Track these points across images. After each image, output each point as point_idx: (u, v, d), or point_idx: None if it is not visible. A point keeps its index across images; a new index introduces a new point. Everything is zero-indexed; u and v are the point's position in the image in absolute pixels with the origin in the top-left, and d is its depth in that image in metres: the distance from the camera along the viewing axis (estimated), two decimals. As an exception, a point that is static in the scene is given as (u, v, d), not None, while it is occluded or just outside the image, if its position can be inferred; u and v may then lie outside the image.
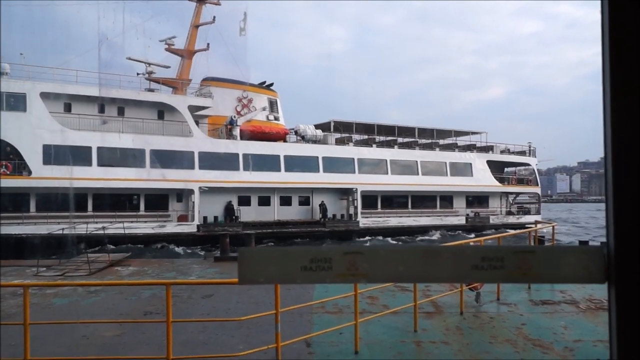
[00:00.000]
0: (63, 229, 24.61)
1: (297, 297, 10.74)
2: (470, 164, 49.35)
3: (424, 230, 43.96)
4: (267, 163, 39.22)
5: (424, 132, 51.43)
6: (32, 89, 32.64)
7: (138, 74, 40.57)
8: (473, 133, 54.93)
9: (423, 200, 47.14)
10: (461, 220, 47.04)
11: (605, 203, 1.50)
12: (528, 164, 55.59)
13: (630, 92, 1.42)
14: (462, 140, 54.90)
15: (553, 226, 16.91)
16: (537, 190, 55.64)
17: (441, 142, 53.01)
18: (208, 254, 27.97)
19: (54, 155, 32.06)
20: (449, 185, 47.25)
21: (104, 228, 25.18)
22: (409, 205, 46.45)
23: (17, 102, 32.09)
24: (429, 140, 51.94)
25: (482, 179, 49.31)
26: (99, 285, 9.41)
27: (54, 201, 31.90)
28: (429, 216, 45.92)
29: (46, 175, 31.22)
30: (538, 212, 52.89)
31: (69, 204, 32.74)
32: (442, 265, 1.57)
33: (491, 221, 47.75)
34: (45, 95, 33.07)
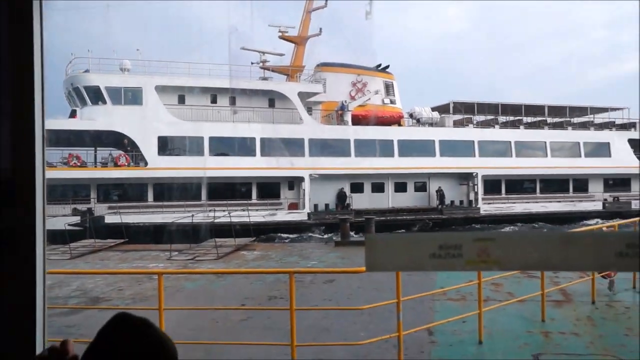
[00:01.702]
0: (192, 216, 25.99)
1: (419, 284, 10.61)
2: (608, 143, 44.44)
3: (557, 218, 39.85)
4: (380, 148, 38.13)
5: (555, 110, 47.09)
6: (147, 83, 34.37)
7: (252, 63, 41.21)
8: (612, 109, 49.48)
9: (553, 185, 43.37)
10: (597, 206, 42.00)
11: None
12: None
13: None
14: (599, 118, 49.58)
15: None
16: None
17: (574, 120, 48.46)
18: (329, 238, 28.22)
19: (168, 146, 33.88)
20: (583, 167, 42.84)
21: (230, 215, 26.20)
22: (537, 190, 43.13)
23: (134, 96, 34.02)
24: (560, 119, 47.65)
25: (623, 160, 44.01)
26: (226, 272, 9.79)
27: (170, 191, 33.67)
28: (559, 201, 41.96)
29: (161, 166, 32.72)
30: None
31: (190, 193, 33.87)
32: (582, 252, 1.48)
33: (633, 206, 41.47)
34: (159, 89, 34.66)
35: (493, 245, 1.50)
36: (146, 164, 33.22)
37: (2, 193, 1.83)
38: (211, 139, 34.65)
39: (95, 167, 35.31)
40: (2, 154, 1.83)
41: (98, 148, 37.14)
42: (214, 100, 37.49)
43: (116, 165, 33.27)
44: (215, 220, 25.55)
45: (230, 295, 11.86)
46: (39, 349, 1.81)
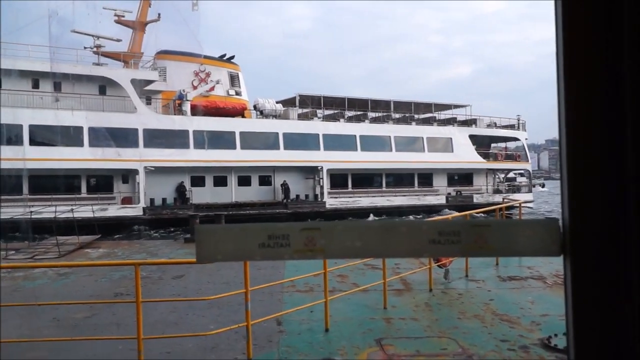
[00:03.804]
0: (31, 213, 24.05)
1: (268, 277, 10.78)
2: (451, 138, 46.44)
3: (401, 211, 41.33)
4: (222, 140, 37.05)
5: (401, 106, 48.47)
6: None
7: (85, 47, 38.47)
8: (456, 106, 51.96)
9: (399, 179, 44.71)
10: (441, 200, 44.14)
11: (560, 178, 1.53)
12: (517, 139, 52.20)
13: (579, 74, 1.45)
14: (444, 114, 52.15)
15: (520, 203, 17.08)
16: (528, 166, 52.88)
17: (417, 116, 50.22)
18: (178, 235, 27.46)
19: None
20: (426, 162, 44.44)
21: (72, 210, 24.64)
22: (383, 184, 44.26)
23: None
24: (405, 114, 49.08)
25: (465, 155, 46.31)
26: (68, 266, 9.32)
27: None
28: (405, 195, 43.42)
29: None
30: (529, 190, 50.36)
31: (7, 186, 30.84)
32: (400, 240, 1.57)
33: (475, 200, 44.05)
34: None
35: (318, 234, 1.56)
36: None
37: None
38: (31, 127, 31.48)
39: None
40: None
41: None
42: (35, 85, 34.07)
43: None
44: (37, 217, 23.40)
45: (74, 293, 11.25)
46: None
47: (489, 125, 51.51)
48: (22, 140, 31.09)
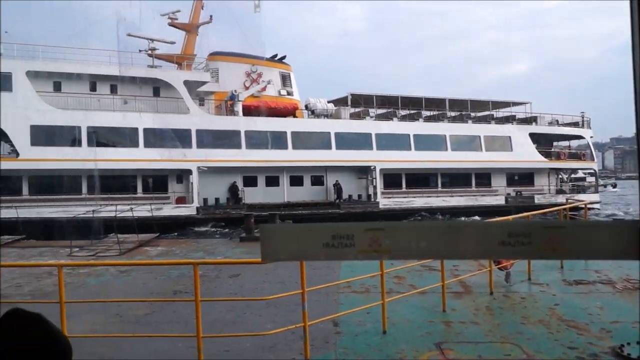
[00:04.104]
0: (93, 212, 24.85)
1: (323, 277, 10.75)
2: (510, 137, 44.78)
3: (457, 212, 40.03)
4: (273, 140, 37.16)
5: (456, 104, 46.98)
6: (17, 68, 31.95)
7: (140, 50, 39.35)
8: (514, 103, 49.70)
9: (455, 179, 43.49)
10: (500, 200, 42.28)
11: (639, 179, 1.41)
12: (581, 137, 49.66)
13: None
14: (502, 112, 50.33)
15: (585, 204, 16.47)
16: (593, 165, 50.47)
17: (474, 114, 48.35)
18: (233, 234, 27.66)
19: (43, 136, 31.52)
20: (484, 161, 43.00)
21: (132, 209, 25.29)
22: (439, 185, 43.17)
23: (2, 82, 31.29)
24: (461, 112, 47.31)
25: (524, 154, 44.43)
26: (129, 265, 9.54)
27: (48, 184, 31.72)
28: (461, 196, 42.18)
29: (35, 157, 30.62)
30: (596, 191, 47.88)
31: (69, 186, 32.10)
32: (467, 241, 1.53)
33: (537, 201, 41.56)
34: (32, 74, 32.26)
35: (383, 234, 1.54)
36: (18, 154, 31.02)
37: None
38: (89, 128, 32.56)
39: None
40: None
41: None
42: (93, 88, 35.27)
43: None
44: (114, 216, 24.32)
45: (135, 290, 11.58)
46: None
47: (550, 123, 49.29)
48: (80, 141, 32.30)
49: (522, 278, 11.12)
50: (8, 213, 28.24)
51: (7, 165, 30.45)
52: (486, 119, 48.60)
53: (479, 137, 44.00)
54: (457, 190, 42.94)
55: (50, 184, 31.75)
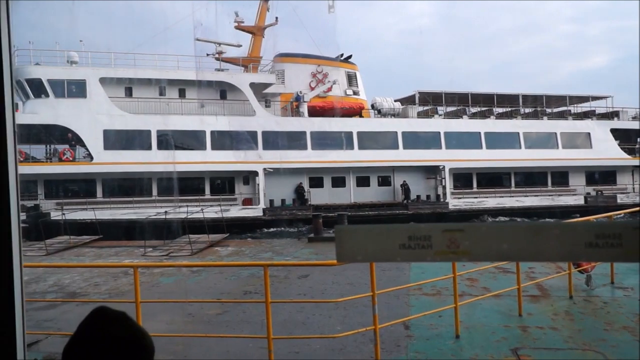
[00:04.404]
0: (166, 212, 25.57)
1: (393, 279, 10.63)
2: (589, 133, 42.24)
3: (532, 213, 37.81)
4: (339, 140, 36.80)
5: (530, 100, 44.99)
6: (91, 75, 33.22)
7: (208, 54, 40.14)
8: (594, 98, 46.91)
9: (530, 178, 41.55)
10: (579, 200, 39.49)
11: None
12: None
13: None
14: (582, 107, 47.62)
15: None
16: None
17: (550, 110, 46.14)
18: (302, 234, 27.70)
19: (114, 139, 32.63)
20: (561, 159, 40.78)
21: (203, 210, 25.83)
22: (512, 184, 41.36)
23: (77, 89, 32.78)
24: (534, 109, 45.19)
25: (605, 151, 41.76)
26: (201, 266, 9.70)
27: (119, 186, 32.85)
28: (536, 196, 40.03)
29: (107, 161, 31.75)
30: None
31: (141, 189, 33.19)
32: (551, 242, 1.46)
33: (619, 201, 38.23)
34: (105, 81, 33.50)
35: (462, 236, 1.50)
36: (92, 158, 32.28)
37: None
38: (159, 132, 33.47)
39: (44, 162, 33.78)
40: None
41: (42, 143, 35.54)
42: (162, 93, 36.29)
43: (60, 160, 32.30)
44: (186, 217, 25.00)
45: (206, 290, 11.82)
46: (19, 342, 1.82)
47: (634, 118, 46.37)
48: (150, 145, 33.36)
49: (604, 281, 10.56)
50: (84, 215, 29.40)
51: (83, 169, 32.15)
52: (563, 115, 46.35)
53: (555, 133, 41.95)
54: (532, 189, 41.08)
55: (122, 186, 33.06)
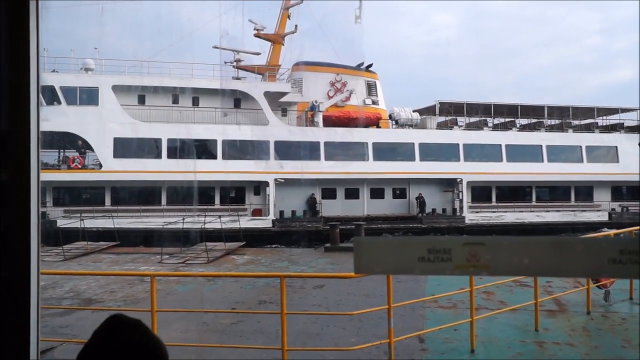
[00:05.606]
0: (184, 219, 25.62)
1: (409, 291, 10.58)
2: (616, 147, 40.95)
3: (552, 228, 36.13)
4: (353, 151, 36.14)
5: (556, 111, 43.72)
6: (104, 83, 33.28)
7: (226, 62, 39.94)
8: (623, 110, 45.15)
9: (553, 192, 40.55)
10: (603, 217, 38.35)
11: None
12: None
13: None
14: (610, 120, 46.02)
15: None
16: None
17: (576, 122, 44.73)
18: (318, 244, 27.34)
19: (124, 148, 32.57)
20: (585, 173, 39.45)
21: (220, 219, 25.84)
22: (533, 198, 40.21)
23: (89, 96, 32.82)
24: (560, 121, 43.78)
25: (633, 165, 40.07)
26: (218, 276, 9.75)
27: (128, 195, 32.63)
28: (558, 211, 38.80)
29: (116, 169, 31.65)
30: None
31: (149, 197, 33.15)
32: (574, 258, 1.46)
33: None
34: (118, 89, 33.50)
35: (483, 249, 1.49)
36: (101, 166, 32.34)
37: None
38: (169, 140, 33.29)
39: (52, 169, 33.49)
40: None
41: (54, 149, 35.63)
42: (175, 101, 36.11)
43: (69, 167, 32.43)
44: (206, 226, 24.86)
45: (221, 299, 11.84)
46: (32, 348, 1.83)
47: None
48: (160, 153, 33.33)
49: (623, 297, 10.40)
50: (92, 223, 28.99)
51: (91, 176, 32.33)
52: (589, 128, 45.10)
53: (580, 147, 40.83)
54: (553, 204, 39.98)
55: (130, 194, 32.83)
